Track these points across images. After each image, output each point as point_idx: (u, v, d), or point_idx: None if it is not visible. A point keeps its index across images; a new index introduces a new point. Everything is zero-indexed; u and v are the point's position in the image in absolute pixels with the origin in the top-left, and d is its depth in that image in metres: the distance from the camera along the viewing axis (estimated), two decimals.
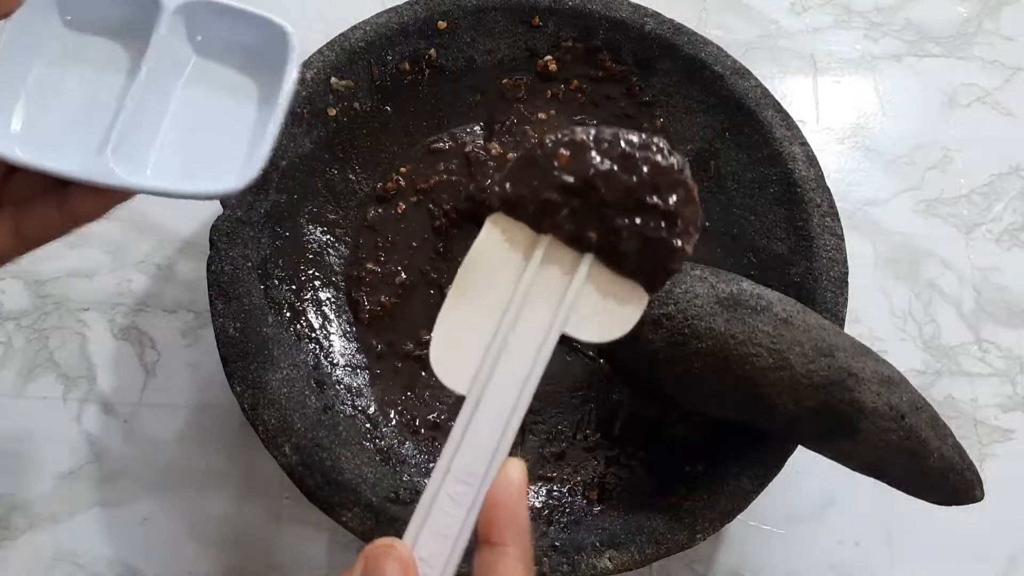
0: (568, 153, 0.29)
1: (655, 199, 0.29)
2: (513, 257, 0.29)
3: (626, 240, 0.29)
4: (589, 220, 0.29)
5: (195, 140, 0.36)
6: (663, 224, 0.29)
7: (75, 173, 0.33)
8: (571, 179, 0.29)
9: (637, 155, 0.29)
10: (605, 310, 0.29)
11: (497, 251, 0.29)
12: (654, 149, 0.30)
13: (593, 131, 0.30)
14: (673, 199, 0.29)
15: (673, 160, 0.30)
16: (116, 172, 0.33)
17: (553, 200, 0.29)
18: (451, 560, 0.27)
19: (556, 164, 0.29)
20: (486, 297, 0.29)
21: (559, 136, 0.30)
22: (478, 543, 0.27)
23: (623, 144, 0.30)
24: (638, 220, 0.29)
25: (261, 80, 0.36)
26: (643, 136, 0.30)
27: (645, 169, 0.29)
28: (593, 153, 0.29)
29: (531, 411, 0.45)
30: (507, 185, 0.29)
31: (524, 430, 0.45)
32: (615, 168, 0.29)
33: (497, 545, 0.26)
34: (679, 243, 0.29)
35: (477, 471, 0.27)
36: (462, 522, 0.27)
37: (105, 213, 0.35)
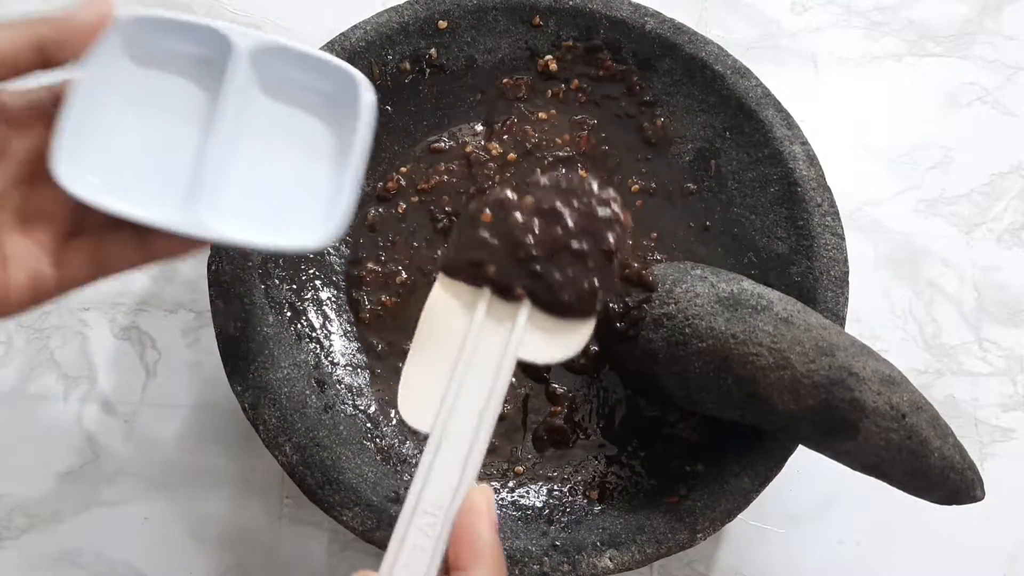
0: (490, 212, 0.33)
1: (578, 246, 0.32)
2: (460, 310, 0.33)
3: (553, 291, 0.32)
4: (515, 275, 0.32)
5: (272, 188, 0.36)
6: (586, 268, 0.32)
7: (166, 223, 0.33)
8: (494, 239, 0.32)
9: (558, 205, 0.33)
10: (553, 340, 0.33)
11: (446, 306, 0.33)
12: (582, 196, 0.33)
13: (510, 191, 0.33)
14: (592, 244, 0.32)
15: (596, 206, 0.33)
16: (205, 223, 0.33)
17: (478, 260, 0.32)
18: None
19: (480, 224, 0.33)
20: (441, 346, 0.32)
21: (486, 196, 0.33)
22: (448, 571, 0.28)
23: (548, 195, 0.33)
24: (559, 272, 0.32)
25: (334, 126, 0.36)
26: (573, 182, 0.33)
27: (569, 219, 0.32)
28: (515, 211, 0.33)
29: (531, 411, 0.45)
30: (448, 250, 0.33)
31: (525, 429, 0.45)
32: (536, 221, 0.33)
33: (463, 571, 0.27)
34: (597, 283, 0.32)
35: (443, 502, 0.29)
36: (432, 552, 0.28)
37: (185, 256, 0.35)
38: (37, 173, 0.33)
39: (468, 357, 0.32)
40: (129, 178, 0.34)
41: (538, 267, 0.32)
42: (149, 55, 0.35)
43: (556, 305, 0.32)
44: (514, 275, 0.32)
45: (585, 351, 0.46)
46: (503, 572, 0.28)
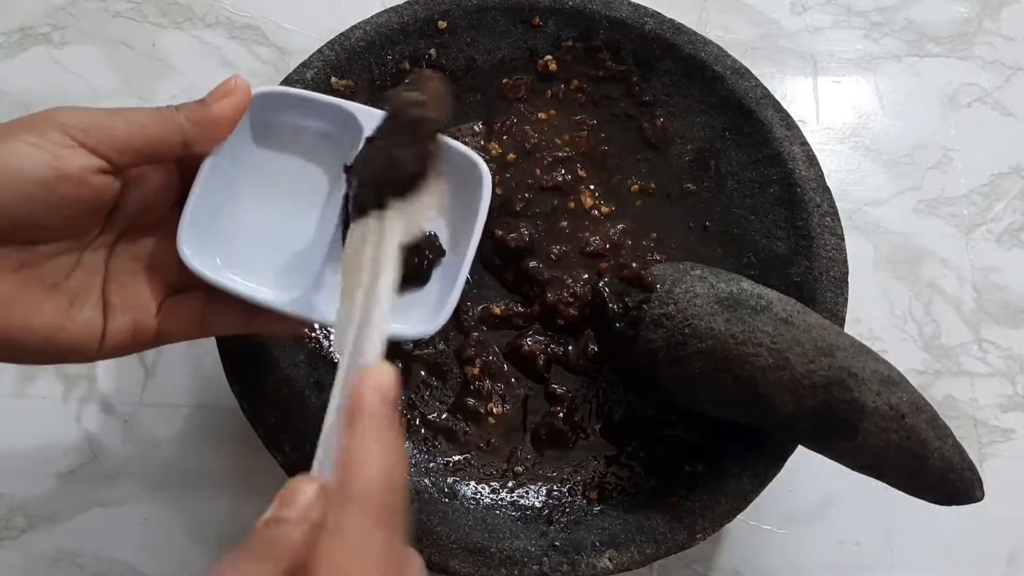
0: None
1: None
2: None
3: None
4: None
5: None
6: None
7: (280, 306, 0.33)
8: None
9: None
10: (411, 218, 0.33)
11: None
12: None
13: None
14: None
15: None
16: (318, 309, 0.33)
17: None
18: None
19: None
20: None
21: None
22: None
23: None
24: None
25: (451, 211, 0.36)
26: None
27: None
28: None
29: (531, 411, 0.45)
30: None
31: (524, 429, 0.45)
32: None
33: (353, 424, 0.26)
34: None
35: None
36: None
37: (290, 335, 0.36)
38: (152, 224, 0.34)
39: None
40: (247, 257, 0.35)
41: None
42: (273, 129, 0.35)
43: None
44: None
45: (584, 351, 0.46)
46: (391, 430, 0.26)
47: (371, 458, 0.26)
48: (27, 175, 0.29)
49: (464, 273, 0.35)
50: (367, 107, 0.35)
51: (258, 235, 0.35)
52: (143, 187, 0.33)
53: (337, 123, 0.35)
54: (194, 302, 0.34)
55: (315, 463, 0.28)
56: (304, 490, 0.26)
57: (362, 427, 0.26)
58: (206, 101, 0.32)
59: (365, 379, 0.27)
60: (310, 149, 0.36)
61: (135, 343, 0.34)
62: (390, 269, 0.31)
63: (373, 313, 0.30)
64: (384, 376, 0.27)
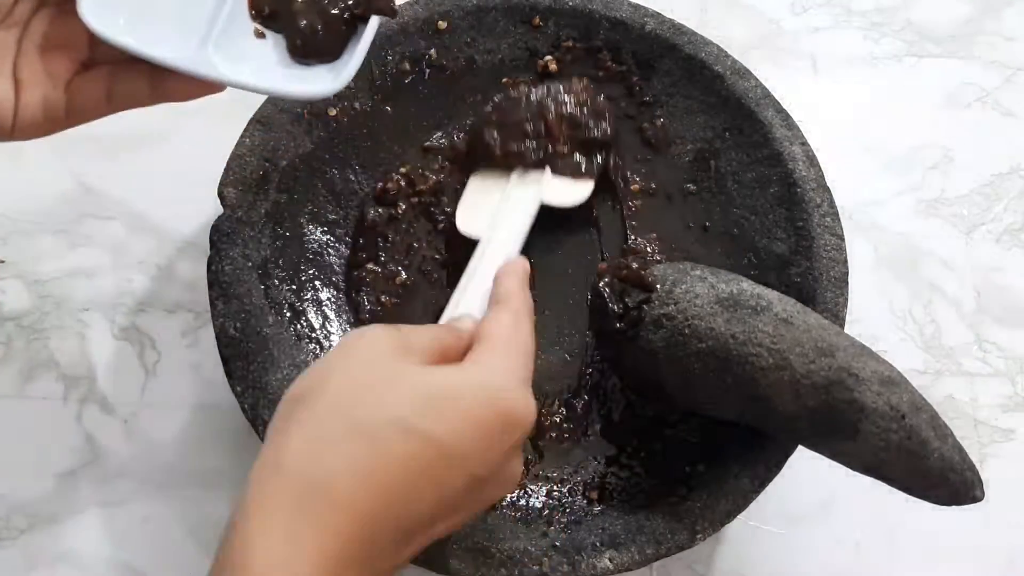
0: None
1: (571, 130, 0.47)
2: (500, 174, 0.47)
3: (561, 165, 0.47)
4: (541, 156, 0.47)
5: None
6: (584, 149, 0.48)
7: (179, 63, 0.33)
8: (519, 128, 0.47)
9: (556, 99, 0.47)
10: (564, 192, 0.47)
11: (488, 174, 0.48)
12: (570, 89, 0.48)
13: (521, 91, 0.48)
14: (585, 124, 0.47)
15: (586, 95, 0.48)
16: (218, 67, 0.34)
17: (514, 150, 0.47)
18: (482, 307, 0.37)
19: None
20: (487, 193, 0.47)
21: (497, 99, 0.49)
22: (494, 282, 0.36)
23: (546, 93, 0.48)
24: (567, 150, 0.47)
25: None
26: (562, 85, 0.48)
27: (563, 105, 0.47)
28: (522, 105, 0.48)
29: None
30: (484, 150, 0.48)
31: None
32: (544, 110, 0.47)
33: (493, 307, 0.34)
34: (599, 160, 0.48)
35: (495, 267, 0.39)
36: (483, 295, 0.38)
37: (195, 98, 0.36)
38: (58, 2, 0.34)
39: (508, 195, 0.46)
40: (149, 18, 0.35)
41: (554, 148, 0.47)
42: None
43: (568, 166, 0.47)
44: (539, 155, 0.47)
45: (585, 349, 0.46)
46: (522, 318, 0.34)
47: (519, 292, 0.35)
48: None
49: (370, 33, 0.35)
50: None
51: (164, 2, 0.35)
52: None
53: None
54: (101, 76, 0.35)
55: (451, 304, 0.40)
56: (467, 318, 0.36)
57: (514, 278, 0.36)
58: None
59: (512, 267, 0.37)
60: None
61: (47, 119, 0.34)
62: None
63: (518, 239, 0.44)
64: (524, 264, 0.38)
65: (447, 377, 0.29)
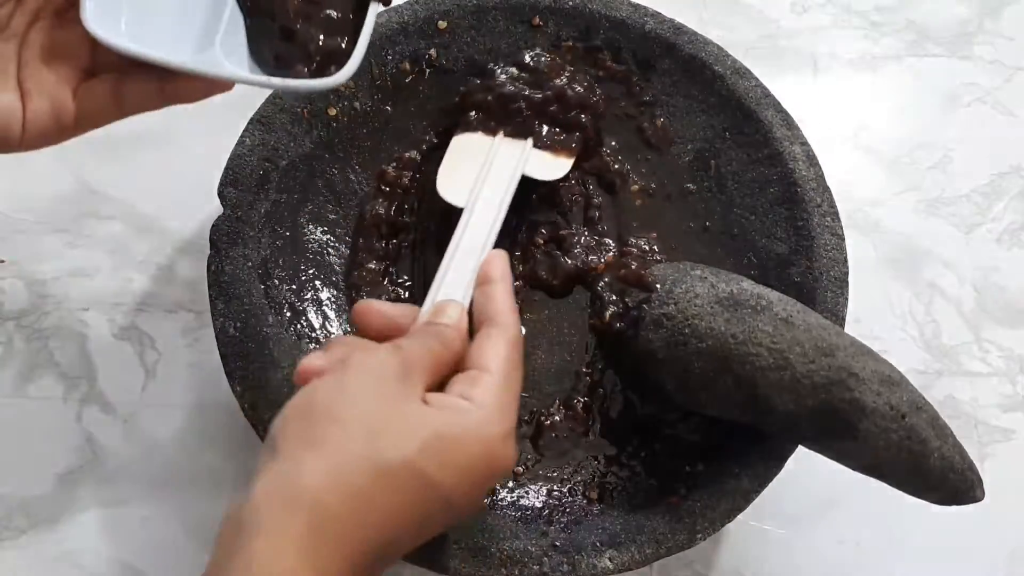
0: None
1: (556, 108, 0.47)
2: (483, 138, 0.47)
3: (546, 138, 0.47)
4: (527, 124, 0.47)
5: None
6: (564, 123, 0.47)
7: (187, 64, 0.33)
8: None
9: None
10: (546, 165, 0.46)
11: (470, 139, 0.47)
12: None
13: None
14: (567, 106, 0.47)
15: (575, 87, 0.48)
16: (225, 65, 0.33)
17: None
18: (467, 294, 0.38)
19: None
20: (470, 156, 0.46)
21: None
22: (476, 286, 0.37)
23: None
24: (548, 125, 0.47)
25: None
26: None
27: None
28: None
29: (530, 410, 0.45)
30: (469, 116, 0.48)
31: (526, 428, 0.45)
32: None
33: (486, 283, 0.36)
34: (578, 136, 0.48)
35: (476, 247, 0.40)
36: (466, 284, 0.38)
37: (205, 98, 0.36)
38: (60, 11, 0.34)
39: (491, 162, 0.45)
40: (151, 21, 0.35)
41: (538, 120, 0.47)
42: None
43: (549, 146, 0.47)
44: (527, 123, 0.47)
45: (585, 349, 0.46)
46: (518, 347, 0.34)
47: (508, 308, 0.35)
48: None
49: (370, 26, 0.35)
50: None
51: (165, 3, 0.35)
52: None
53: None
54: (108, 82, 0.35)
55: (424, 309, 0.37)
56: (454, 307, 0.36)
57: (502, 287, 0.36)
58: None
59: (494, 258, 0.38)
60: None
61: (58, 128, 0.34)
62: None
63: (501, 210, 0.42)
64: (505, 258, 0.38)
65: (452, 422, 0.30)
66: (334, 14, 0.36)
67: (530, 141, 0.46)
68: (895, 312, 0.54)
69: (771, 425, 0.39)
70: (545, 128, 0.47)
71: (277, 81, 0.35)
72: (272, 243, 0.45)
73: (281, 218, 0.46)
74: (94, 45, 0.34)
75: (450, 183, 0.45)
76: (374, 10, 0.36)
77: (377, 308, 0.36)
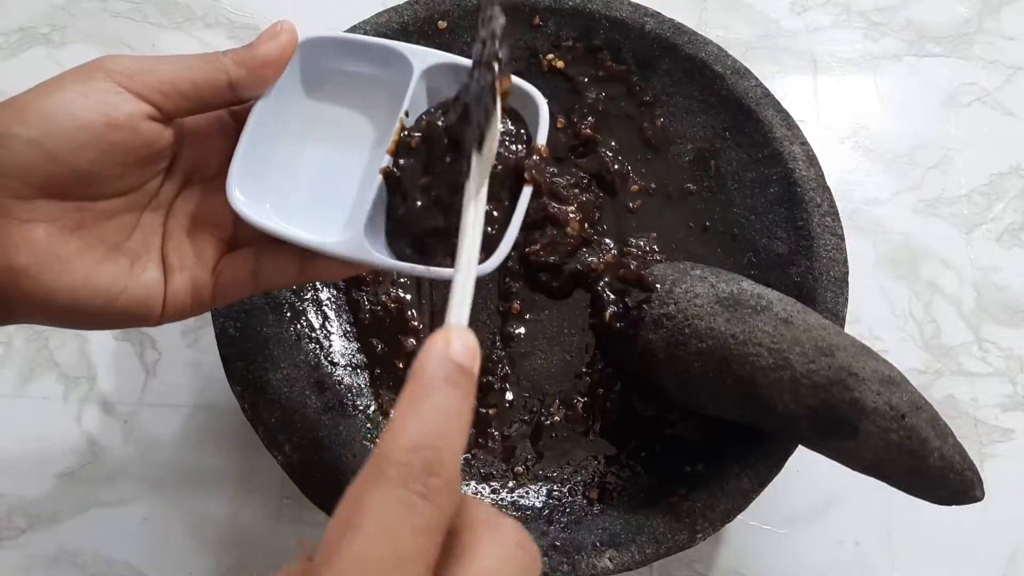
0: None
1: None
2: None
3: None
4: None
5: None
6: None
7: (330, 249, 0.33)
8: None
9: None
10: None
11: None
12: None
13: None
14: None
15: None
16: (367, 249, 0.33)
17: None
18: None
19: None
20: None
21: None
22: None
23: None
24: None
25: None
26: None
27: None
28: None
29: (531, 412, 0.45)
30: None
31: (517, 430, 0.45)
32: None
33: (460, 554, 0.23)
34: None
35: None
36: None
37: (343, 278, 0.36)
38: (209, 178, 0.34)
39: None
40: (298, 203, 0.34)
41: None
42: (323, 75, 0.35)
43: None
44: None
45: (585, 349, 0.46)
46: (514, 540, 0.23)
47: (419, 419, 0.22)
48: (77, 122, 0.29)
49: (520, 215, 0.33)
50: (416, 45, 0.34)
51: (309, 181, 0.35)
52: (199, 138, 0.33)
53: (387, 65, 0.35)
54: (249, 256, 0.34)
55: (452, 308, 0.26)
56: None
57: (423, 387, 0.22)
58: (252, 44, 0.32)
59: (444, 340, 0.23)
60: (360, 93, 0.36)
61: (196, 303, 0.33)
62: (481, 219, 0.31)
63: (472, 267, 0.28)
64: (465, 341, 0.23)
65: None
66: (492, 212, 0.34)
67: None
68: (895, 312, 0.54)
69: (771, 425, 0.39)
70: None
71: (422, 269, 0.33)
72: None
73: None
74: (237, 217, 0.33)
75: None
76: (526, 196, 0.33)
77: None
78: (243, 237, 0.34)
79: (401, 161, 0.34)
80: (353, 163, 0.35)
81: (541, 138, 0.34)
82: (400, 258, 0.34)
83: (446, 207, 0.34)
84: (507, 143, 0.35)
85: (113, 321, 0.32)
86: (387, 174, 0.34)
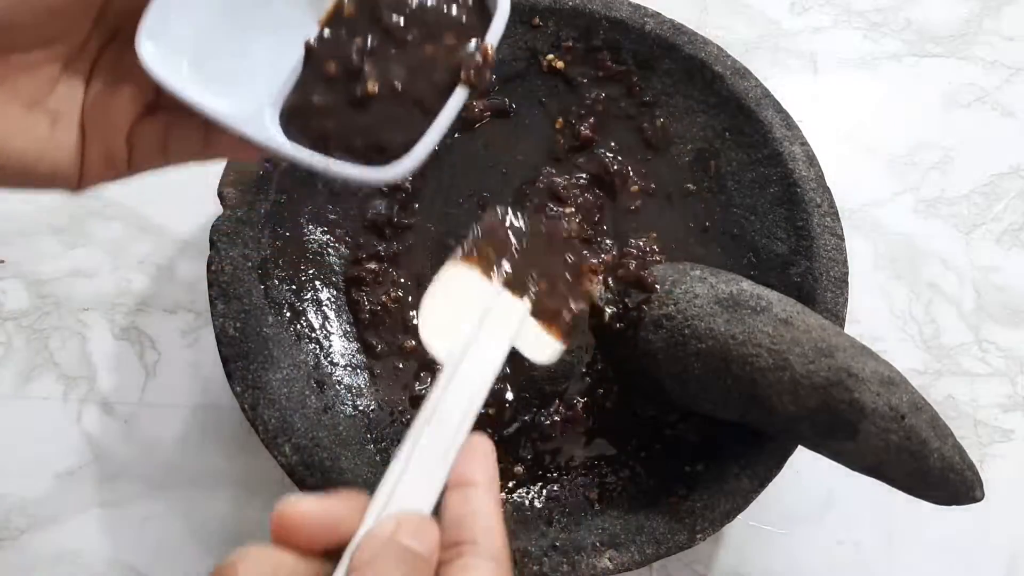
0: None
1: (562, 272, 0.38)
2: (479, 279, 0.37)
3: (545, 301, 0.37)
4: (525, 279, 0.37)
5: None
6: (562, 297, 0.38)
7: (232, 122, 0.30)
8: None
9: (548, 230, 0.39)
10: (538, 342, 0.37)
11: (467, 274, 0.37)
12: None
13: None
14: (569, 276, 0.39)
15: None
16: (273, 135, 0.31)
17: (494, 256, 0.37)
18: (431, 499, 0.29)
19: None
20: (462, 302, 0.36)
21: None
22: (448, 488, 0.28)
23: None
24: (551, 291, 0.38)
25: None
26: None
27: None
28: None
29: (530, 412, 0.45)
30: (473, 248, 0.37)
31: (524, 429, 0.45)
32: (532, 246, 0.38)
33: (466, 485, 0.28)
34: (567, 317, 0.38)
35: (452, 425, 0.30)
36: (441, 466, 0.29)
37: (243, 160, 0.34)
38: (131, 37, 0.31)
39: (483, 319, 0.35)
40: (211, 69, 0.31)
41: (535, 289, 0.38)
42: None
43: (548, 316, 0.37)
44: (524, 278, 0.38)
45: (585, 349, 0.46)
46: (498, 492, 0.28)
47: (498, 526, 0.27)
48: None
49: (447, 119, 0.31)
50: None
51: (236, 44, 0.32)
52: None
53: None
54: (158, 126, 0.32)
55: (373, 509, 0.28)
56: (426, 528, 0.27)
57: (487, 497, 0.27)
58: None
59: (478, 452, 0.29)
60: None
61: (111, 171, 0.32)
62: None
63: (484, 386, 0.32)
64: (489, 448, 0.29)
65: None
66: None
67: (528, 304, 0.37)
68: (895, 312, 0.54)
69: (771, 426, 0.39)
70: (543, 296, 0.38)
71: (322, 162, 0.31)
72: (272, 243, 0.45)
73: (281, 218, 0.46)
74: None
75: (434, 327, 0.35)
76: (457, 98, 0.31)
77: (306, 509, 0.28)
78: (164, 102, 0.32)
79: (327, 34, 0.31)
80: (290, 28, 0.32)
81: (492, 37, 0.31)
82: (298, 143, 0.31)
83: (360, 101, 0.31)
84: (454, 7, 0.31)
85: (28, 183, 0.30)
86: (308, 48, 0.31)
